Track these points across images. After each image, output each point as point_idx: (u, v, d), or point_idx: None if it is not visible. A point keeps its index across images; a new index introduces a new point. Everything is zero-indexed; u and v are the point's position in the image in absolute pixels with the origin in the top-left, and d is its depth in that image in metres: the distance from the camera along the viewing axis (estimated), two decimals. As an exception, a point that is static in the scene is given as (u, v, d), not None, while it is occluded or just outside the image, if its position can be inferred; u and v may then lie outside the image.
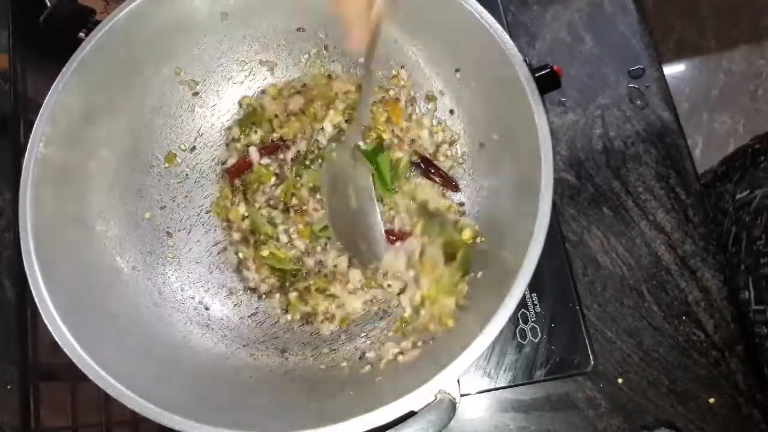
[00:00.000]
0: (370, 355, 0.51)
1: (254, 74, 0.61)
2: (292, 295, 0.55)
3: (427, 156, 0.57)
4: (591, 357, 0.55)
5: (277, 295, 0.56)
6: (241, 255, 0.57)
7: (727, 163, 0.78)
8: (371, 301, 0.55)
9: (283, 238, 0.57)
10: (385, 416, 0.39)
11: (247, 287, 0.57)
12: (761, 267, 0.58)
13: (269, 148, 0.59)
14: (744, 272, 0.60)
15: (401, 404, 0.39)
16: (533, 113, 0.45)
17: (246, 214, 0.58)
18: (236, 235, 0.58)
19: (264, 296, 0.56)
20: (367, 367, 0.50)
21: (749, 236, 0.61)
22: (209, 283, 0.56)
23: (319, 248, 0.57)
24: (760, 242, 0.59)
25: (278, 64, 0.61)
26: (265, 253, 0.56)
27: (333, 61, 0.60)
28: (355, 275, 0.55)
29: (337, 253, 0.56)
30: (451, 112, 0.58)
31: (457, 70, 0.55)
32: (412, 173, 0.58)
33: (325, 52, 0.60)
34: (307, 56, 0.60)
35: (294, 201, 0.58)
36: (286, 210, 0.58)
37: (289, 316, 0.55)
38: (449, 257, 0.52)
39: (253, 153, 0.58)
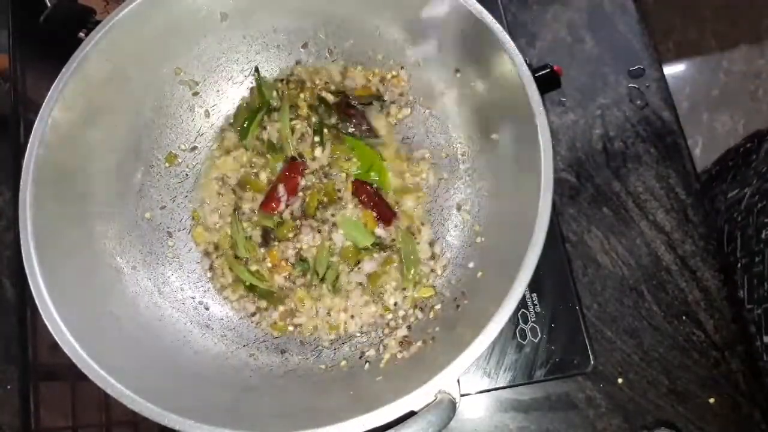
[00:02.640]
0: (370, 354, 0.51)
1: (254, 74, 0.61)
2: (274, 315, 0.55)
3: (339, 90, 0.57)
4: (591, 357, 0.55)
5: (256, 316, 0.55)
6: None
7: (720, 163, 0.78)
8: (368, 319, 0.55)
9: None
10: (385, 416, 0.39)
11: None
12: (755, 266, 0.58)
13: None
14: (741, 270, 0.60)
15: (401, 404, 0.39)
16: (533, 113, 0.45)
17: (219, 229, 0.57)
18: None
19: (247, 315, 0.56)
20: (367, 367, 0.50)
21: (743, 235, 0.61)
22: (209, 282, 0.56)
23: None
24: (753, 240, 0.59)
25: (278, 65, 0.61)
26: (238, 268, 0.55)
27: (334, 62, 0.60)
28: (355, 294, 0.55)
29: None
30: (451, 112, 0.58)
31: (457, 70, 0.55)
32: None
33: (327, 54, 0.60)
34: (308, 57, 0.60)
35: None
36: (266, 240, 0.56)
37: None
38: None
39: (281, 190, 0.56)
